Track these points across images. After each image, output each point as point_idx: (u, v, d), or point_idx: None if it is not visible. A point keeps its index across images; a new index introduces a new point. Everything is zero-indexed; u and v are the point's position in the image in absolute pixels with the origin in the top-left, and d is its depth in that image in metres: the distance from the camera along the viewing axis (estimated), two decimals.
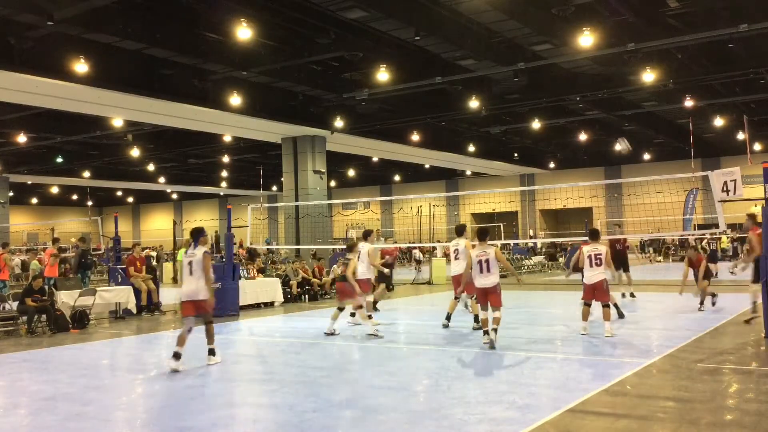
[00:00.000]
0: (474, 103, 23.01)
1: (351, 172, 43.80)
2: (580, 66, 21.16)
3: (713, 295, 13.76)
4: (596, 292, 10.17)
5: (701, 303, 13.42)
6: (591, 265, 10.08)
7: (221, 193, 51.78)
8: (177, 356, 8.42)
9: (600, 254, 10.03)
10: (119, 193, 54.36)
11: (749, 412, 6.06)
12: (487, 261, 9.35)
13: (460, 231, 11.59)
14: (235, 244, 17.44)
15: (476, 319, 11.21)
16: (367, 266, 11.44)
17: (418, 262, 29.71)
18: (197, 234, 8.87)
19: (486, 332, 9.56)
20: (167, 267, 25.56)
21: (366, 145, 30.34)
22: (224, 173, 43.16)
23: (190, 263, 8.61)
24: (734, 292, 17.23)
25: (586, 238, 16.01)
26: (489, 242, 9.77)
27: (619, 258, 14.85)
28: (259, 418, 6.32)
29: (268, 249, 28.52)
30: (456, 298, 11.60)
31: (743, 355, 8.66)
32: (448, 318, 11.58)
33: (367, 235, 12.12)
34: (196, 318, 8.63)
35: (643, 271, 28.50)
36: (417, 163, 39.80)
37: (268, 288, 16.86)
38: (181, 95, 20.05)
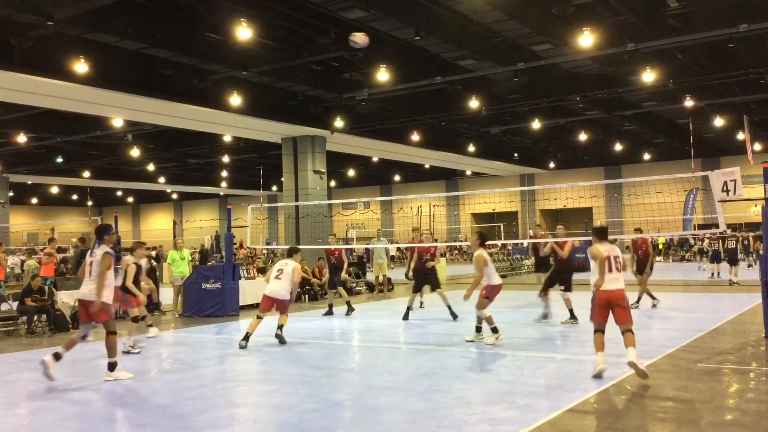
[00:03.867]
0: (474, 103, 23.00)
1: (351, 172, 43.81)
2: (580, 66, 21.15)
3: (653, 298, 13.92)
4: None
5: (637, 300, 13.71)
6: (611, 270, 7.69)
7: (221, 193, 51.78)
8: (57, 357, 7.90)
9: (618, 256, 7.79)
10: (119, 193, 54.36)
11: (749, 412, 6.06)
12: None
13: (290, 252, 11.09)
14: (235, 244, 17.43)
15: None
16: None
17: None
18: (102, 232, 8.19)
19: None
20: (167, 267, 25.55)
21: (366, 145, 30.33)
22: (224, 173, 43.16)
23: (90, 263, 8.00)
24: (733, 292, 17.24)
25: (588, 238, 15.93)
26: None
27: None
28: (259, 418, 6.32)
29: (269, 250, 28.53)
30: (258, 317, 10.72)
31: (743, 355, 8.66)
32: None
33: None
34: (89, 325, 8.09)
35: None
36: (417, 163, 39.79)
37: None
38: (181, 95, 20.04)
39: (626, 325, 7.40)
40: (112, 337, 7.95)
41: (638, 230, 15.63)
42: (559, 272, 12.14)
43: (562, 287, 11.90)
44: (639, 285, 14.41)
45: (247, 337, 10.32)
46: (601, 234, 8.02)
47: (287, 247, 12.33)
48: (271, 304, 10.54)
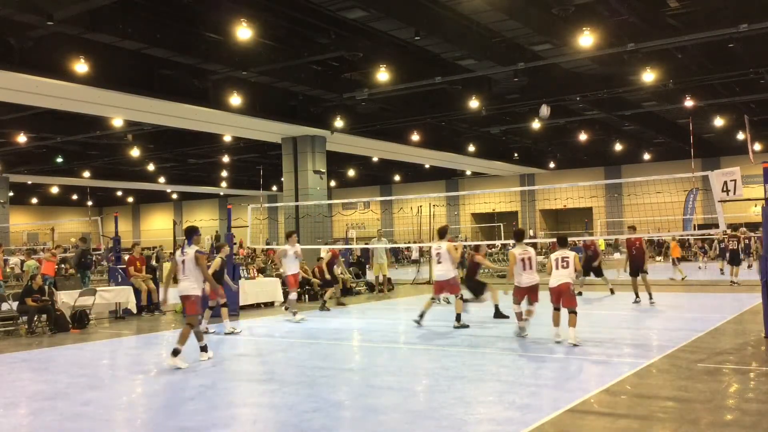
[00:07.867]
0: (474, 103, 23.00)
1: (351, 172, 43.80)
2: (580, 66, 21.14)
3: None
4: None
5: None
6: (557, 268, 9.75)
7: (221, 193, 51.78)
8: (176, 352, 8.79)
9: (567, 258, 9.68)
10: (119, 193, 54.36)
11: (749, 412, 6.06)
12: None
13: (442, 233, 12.17)
14: (235, 244, 17.43)
15: (458, 318, 11.56)
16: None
17: (416, 261, 29.68)
18: (191, 233, 8.99)
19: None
20: (167, 267, 25.54)
21: (366, 145, 30.32)
22: (224, 173, 43.15)
23: (183, 261, 8.85)
24: (733, 292, 17.23)
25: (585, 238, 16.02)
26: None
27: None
28: (259, 418, 6.32)
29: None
30: (433, 299, 12.27)
31: (743, 355, 8.66)
32: (422, 316, 11.98)
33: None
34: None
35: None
36: (417, 163, 39.79)
37: (268, 288, 16.86)
38: (181, 95, 20.04)
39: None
40: (187, 329, 8.82)
41: (632, 228, 15.75)
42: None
43: None
44: (641, 284, 14.58)
45: (422, 315, 11.90)
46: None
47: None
48: (440, 287, 11.74)
